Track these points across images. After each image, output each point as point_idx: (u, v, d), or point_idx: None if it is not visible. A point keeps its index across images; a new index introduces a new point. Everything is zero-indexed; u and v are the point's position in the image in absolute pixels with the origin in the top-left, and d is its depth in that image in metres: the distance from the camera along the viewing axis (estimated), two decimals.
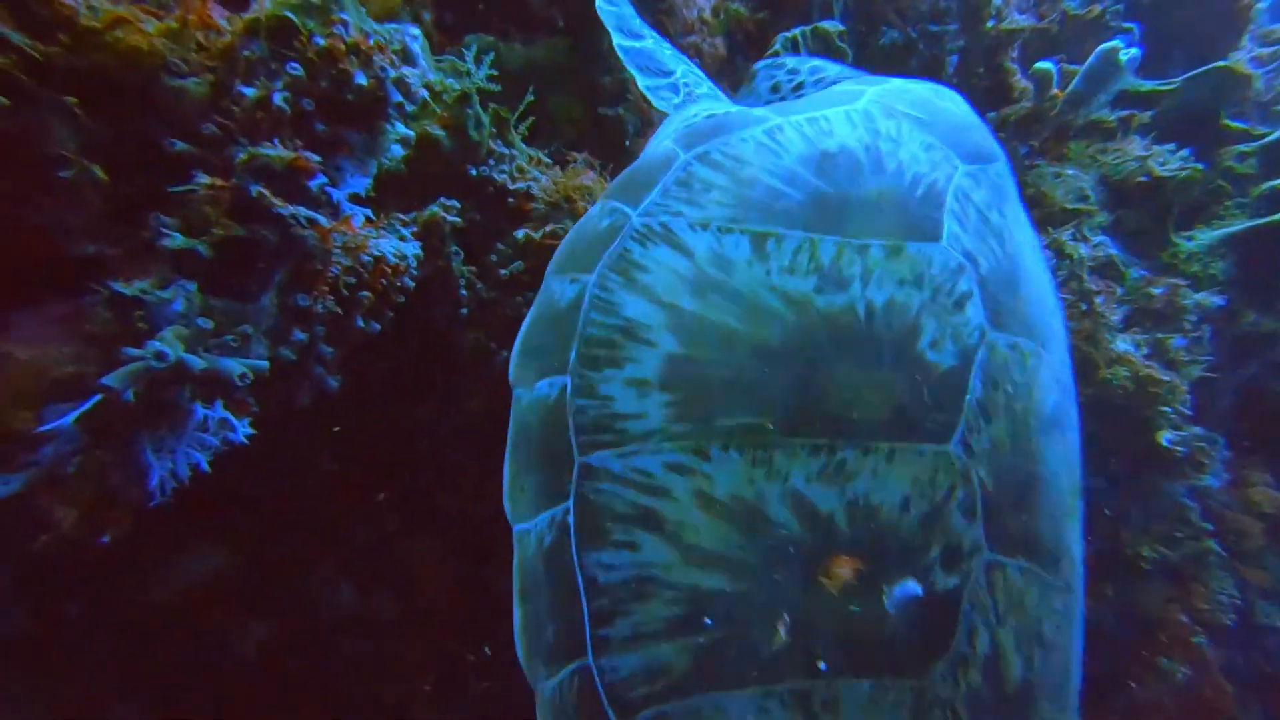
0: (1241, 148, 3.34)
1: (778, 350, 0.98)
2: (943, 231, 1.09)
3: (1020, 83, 3.29)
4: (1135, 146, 3.19)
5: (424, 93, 1.18)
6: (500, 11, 2.14)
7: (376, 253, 1.11)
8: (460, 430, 1.66)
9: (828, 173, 1.11)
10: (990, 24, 3.16)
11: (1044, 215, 3.03)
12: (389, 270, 1.16)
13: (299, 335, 1.08)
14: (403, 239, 1.28)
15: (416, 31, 1.41)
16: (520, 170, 1.53)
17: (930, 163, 1.17)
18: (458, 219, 1.37)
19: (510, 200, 1.51)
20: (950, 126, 1.28)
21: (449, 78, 1.43)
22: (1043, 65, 3.00)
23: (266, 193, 0.96)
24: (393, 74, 1.09)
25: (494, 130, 1.48)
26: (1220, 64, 3.47)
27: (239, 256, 1.00)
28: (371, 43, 1.11)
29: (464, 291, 1.40)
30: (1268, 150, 3.24)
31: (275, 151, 1.01)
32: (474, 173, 1.44)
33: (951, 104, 1.42)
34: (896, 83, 1.43)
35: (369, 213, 1.18)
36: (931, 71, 3.10)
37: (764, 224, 1.05)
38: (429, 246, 1.35)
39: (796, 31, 2.38)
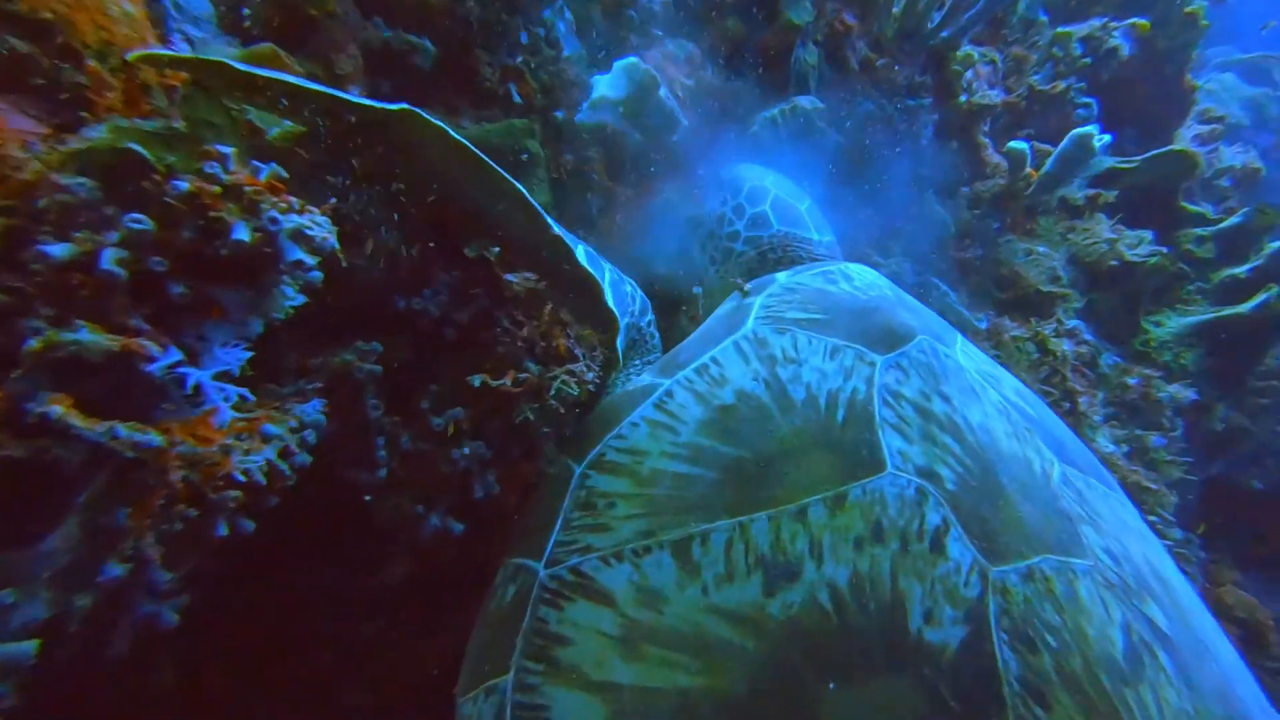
0: (1199, 231, 3.38)
1: (746, 699, 0.73)
2: (883, 455, 0.88)
3: (992, 157, 3.24)
4: (1103, 228, 3.17)
5: (333, 242, 0.90)
6: (446, 83, 1.87)
7: (244, 467, 0.82)
8: (375, 604, 1.36)
9: (733, 432, 0.91)
10: (963, 99, 3.10)
11: (1019, 296, 2.95)
12: (266, 473, 0.86)
13: (113, 571, 0.77)
14: (299, 401, 0.98)
15: None
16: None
17: (841, 371, 0.98)
18: (376, 367, 1.09)
19: (449, 332, 1.24)
20: (853, 314, 1.09)
21: None
22: (1017, 145, 2.94)
23: (61, 413, 0.66)
24: (288, 224, 0.81)
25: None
26: (1176, 148, 3.52)
27: (14, 484, 0.69)
28: (262, 179, 0.83)
29: (383, 452, 1.11)
30: (1224, 236, 3.28)
31: (90, 338, 0.71)
32: (402, 305, 1.16)
33: (848, 284, 1.23)
34: (783, 279, 1.26)
35: (244, 392, 0.88)
36: (907, 143, 3.00)
37: (681, 526, 0.85)
38: (337, 402, 1.06)
39: (775, 111, 2.20)
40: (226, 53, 1.33)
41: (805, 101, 2.25)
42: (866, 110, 2.90)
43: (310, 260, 0.85)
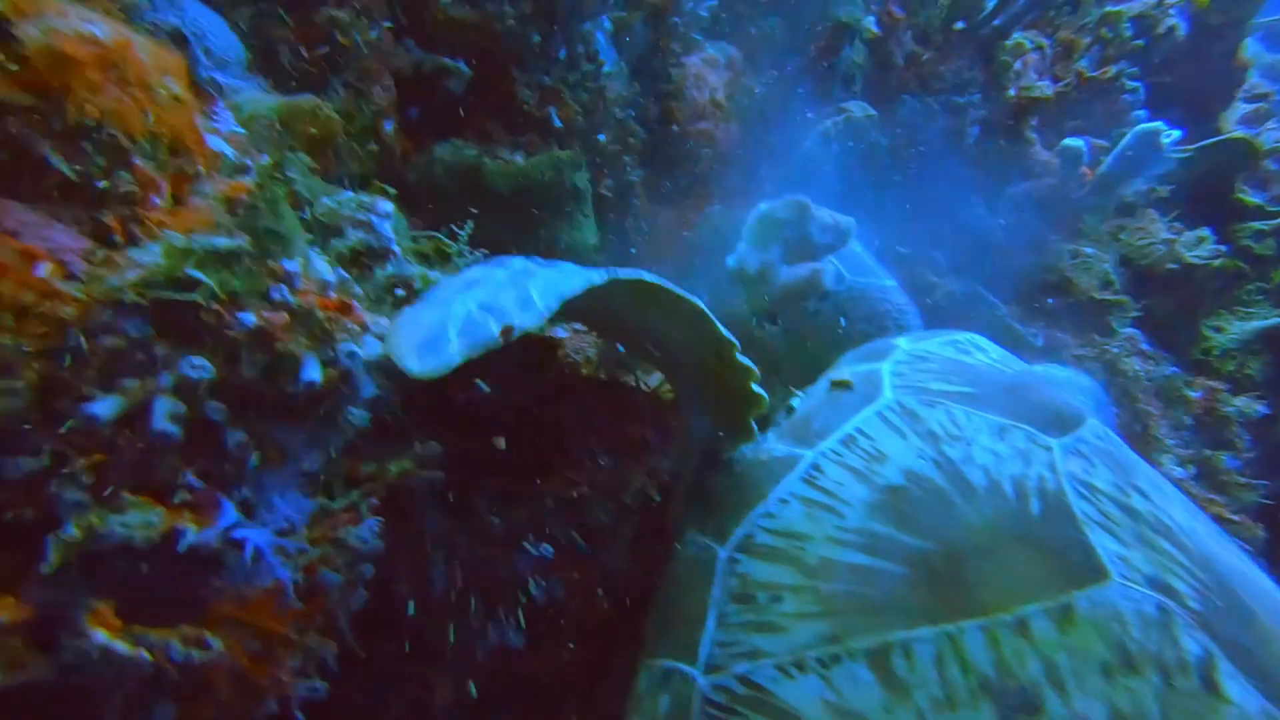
0: (1258, 225, 3.21)
1: None
2: (1101, 559, 0.78)
3: (1040, 155, 3.08)
4: (1159, 226, 3.01)
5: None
6: (479, 106, 1.74)
7: (305, 645, 0.74)
8: None
9: (910, 519, 0.81)
10: (1012, 92, 2.93)
11: (1070, 304, 2.82)
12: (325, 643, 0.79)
13: None
14: (352, 522, 0.89)
15: (388, 207, 1.03)
16: None
17: (1017, 455, 0.88)
18: (438, 473, 1.00)
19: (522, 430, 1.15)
20: (1005, 390, 1.00)
21: (434, 270, 1.06)
22: (1072, 143, 2.77)
23: (105, 641, 0.58)
24: (365, 355, 0.72)
25: None
26: (1234, 135, 3.34)
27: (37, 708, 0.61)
28: (333, 297, 0.73)
29: (441, 566, 1.03)
30: None
31: (139, 520, 0.62)
32: (461, 399, 1.08)
33: (984, 355, 1.14)
34: (906, 346, 1.14)
35: (294, 514, 0.80)
36: (952, 142, 2.84)
37: (872, 631, 0.73)
38: (392, 515, 0.98)
39: (829, 124, 2.07)
40: (263, 101, 1.22)
41: (857, 109, 2.11)
42: (911, 109, 2.74)
43: (385, 387, 0.76)
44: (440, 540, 1.03)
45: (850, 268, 1.66)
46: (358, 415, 0.80)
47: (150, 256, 0.68)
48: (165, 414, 0.64)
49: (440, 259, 1.10)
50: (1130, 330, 2.76)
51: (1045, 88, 2.97)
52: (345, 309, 0.73)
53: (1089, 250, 3.04)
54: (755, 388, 0.95)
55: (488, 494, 1.13)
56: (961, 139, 2.89)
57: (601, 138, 1.83)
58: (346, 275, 0.79)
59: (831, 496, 0.83)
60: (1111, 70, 3.37)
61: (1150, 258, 2.85)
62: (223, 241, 0.71)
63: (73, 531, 0.60)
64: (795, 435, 0.93)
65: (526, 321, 0.70)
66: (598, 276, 0.77)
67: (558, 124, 1.76)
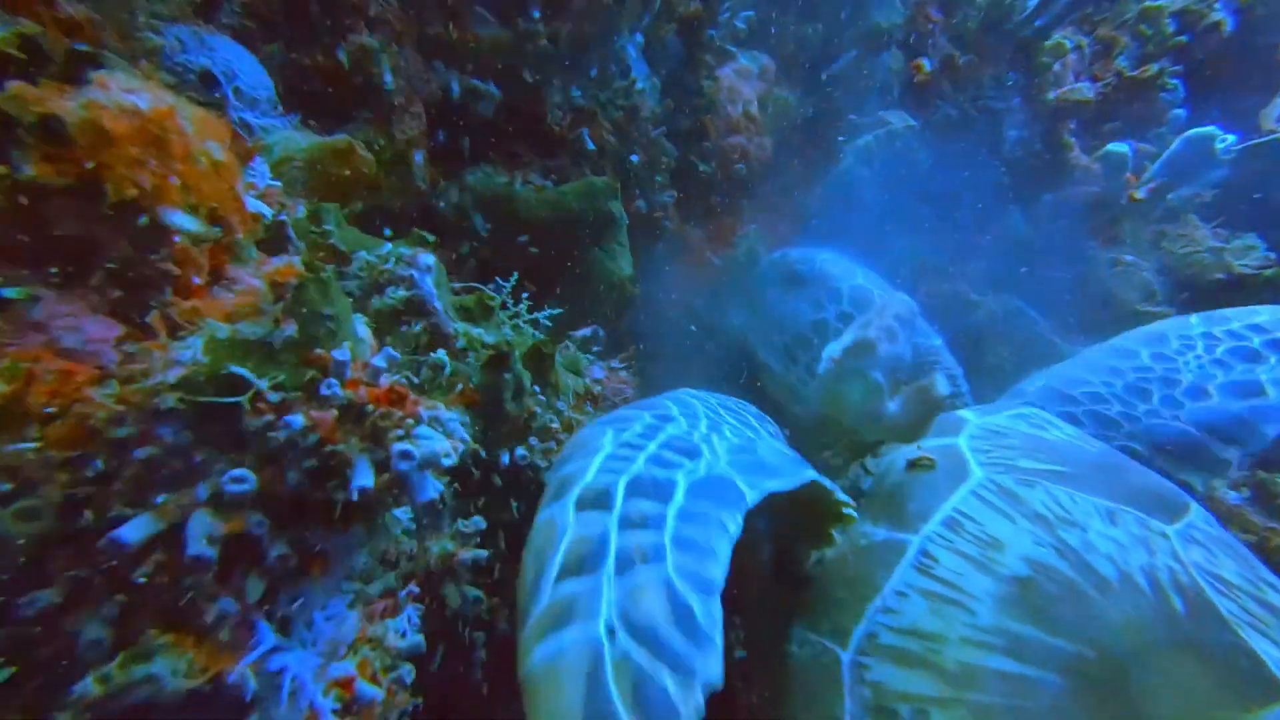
0: None
1: None
2: (1273, 672, 0.71)
3: (1079, 159, 2.97)
4: (1203, 234, 2.90)
5: (461, 432, 0.75)
6: (509, 129, 1.68)
7: None
8: None
9: (1047, 616, 0.74)
10: (1051, 95, 2.82)
11: (1113, 318, 2.73)
12: None
13: None
14: (391, 614, 0.84)
15: (429, 260, 0.97)
16: (570, 426, 1.12)
17: (1137, 542, 0.82)
18: (481, 552, 0.94)
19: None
20: (1097, 468, 0.94)
21: (476, 326, 1.00)
22: (1116, 148, 2.67)
23: None
24: (420, 454, 0.66)
25: (533, 382, 1.06)
26: None
27: None
28: (384, 385, 0.68)
29: (481, 651, 0.98)
30: None
31: (168, 666, 0.57)
32: (506, 462, 1.01)
33: (1057, 430, 1.08)
34: (976, 420, 1.07)
35: (348, 669, 0.74)
36: (989, 150, 2.74)
37: None
38: (431, 610, 0.93)
39: (870, 138, 1.98)
40: (295, 142, 1.17)
41: (897, 120, 2.03)
42: (946, 115, 2.65)
43: (439, 488, 0.70)
44: (480, 621, 0.98)
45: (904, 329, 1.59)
46: (405, 518, 0.75)
47: (191, 352, 0.63)
48: (202, 535, 0.59)
49: (483, 312, 1.04)
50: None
51: (1085, 90, 2.85)
52: (398, 399, 0.68)
53: (1129, 258, 2.94)
54: (848, 510, 0.90)
55: None
56: (999, 146, 2.79)
57: (634, 159, 1.76)
58: (396, 355, 0.73)
59: (954, 589, 0.76)
60: (1152, 68, 3.24)
61: (1195, 266, 2.74)
62: (269, 332, 0.66)
63: (91, 688, 0.55)
64: (889, 516, 0.87)
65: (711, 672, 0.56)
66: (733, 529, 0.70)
67: (590, 146, 1.70)
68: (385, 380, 0.69)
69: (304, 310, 0.67)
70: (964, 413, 1.11)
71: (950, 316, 2.29)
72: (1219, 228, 2.98)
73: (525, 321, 1.18)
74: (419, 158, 1.46)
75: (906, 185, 2.11)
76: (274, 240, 0.90)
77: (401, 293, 0.95)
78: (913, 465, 0.92)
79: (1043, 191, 2.89)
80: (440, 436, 0.70)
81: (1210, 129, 2.41)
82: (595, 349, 1.44)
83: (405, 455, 0.65)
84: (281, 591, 0.64)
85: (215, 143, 0.75)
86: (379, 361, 0.70)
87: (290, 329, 0.66)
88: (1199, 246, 2.81)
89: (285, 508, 0.64)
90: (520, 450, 1.00)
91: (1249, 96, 3.98)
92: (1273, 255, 2.81)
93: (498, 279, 1.17)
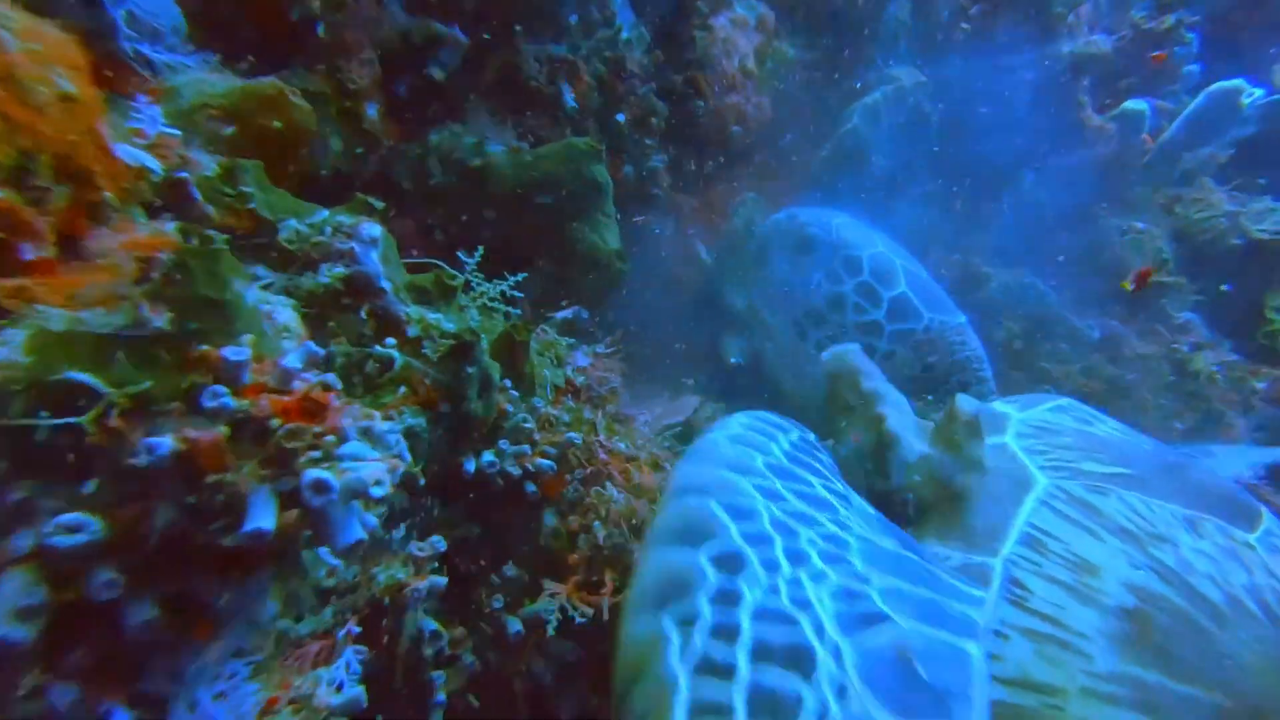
0: None
1: None
2: None
3: (1092, 119, 2.80)
4: (1219, 197, 2.76)
5: (401, 447, 0.59)
6: (478, 82, 1.48)
7: None
8: None
9: (1171, 656, 0.62)
10: (1066, 48, 2.63)
11: (1125, 289, 2.60)
12: None
13: None
14: (324, 661, 0.69)
15: (374, 231, 0.79)
16: (547, 423, 0.96)
17: (1228, 555, 0.71)
18: (440, 579, 0.78)
19: (530, 490, 0.91)
20: (1160, 469, 0.84)
21: (434, 311, 0.82)
22: (1134, 105, 2.50)
23: None
24: (342, 486, 0.50)
25: (504, 375, 0.89)
26: None
27: None
28: (297, 390, 0.51)
29: (440, 695, 0.83)
30: None
31: None
32: (470, 470, 0.85)
33: (1103, 425, 0.99)
34: (1019, 414, 0.96)
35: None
36: (1001, 109, 2.56)
37: None
38: (379, 637, 0.77)
39: (878, 95, 1.80)
40: (210, 85, 0.97)
41: (906, 77, 1.85)
42: (958, 71, 2.46)
43: (371, 523, 0.54)
44: (440, 660, 0.82)
45: (924, 300, 1.43)
46: (328, 558, 0.59)
47: (5, 350, 0.45)
48: (9, 611, 0.42)
49: (442, 294, 0.87)
50: (1188, 316, 2.54)
51: (1102, 43, 2.67)
52: (314, 410, 0.51)
53: (1140, 225, 2.80)
54: None
55: (498, 587, 0.92)
56: (1010, 104, 2.61)
57: (620, 118, 1.57)
58: (319, 350, 0.57)
59: (1060, 627, 0.63)
60: (1169, 20, 3.06)
61: (1211, 232, 2.61)
62: (129, 323, 0.48)
63: None
64: (957, 533, 0.73)
65: None
66: None
67: (571, 103, 1.50)
68: (300, 384, 0.53)
69: (181, 294, 0.50)
70: (1003, 406, 0.97)
71: (960, 293, 2.14)
72: (1234, 191, 2.84)
73: (492, 302, 1.01)
74: (371, 111, 1.26)
75: (917, 146, 1.94)
76: (175, 203, 0.72)
77: (340, 269, 0.77)
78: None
79: (1055, 154, 2.73)
80: (373, 456, 0.54)
81: (1237, 81, 2.25)
82: (577, 334, 1.28)
83: (320, 486, 0.49)
84: (150, 667, 0.49)
85: (66, 72, 0.57)
86: (291, 361, 0.53)
87: (159, 319, 0.49)
88: (1215, 211, 2.68)
89: (155, 556, 0.48)
90: (488, 456, 0.84)
91: (1264, 50, 3.79)
92: None
93: (460, 254, 1.00)
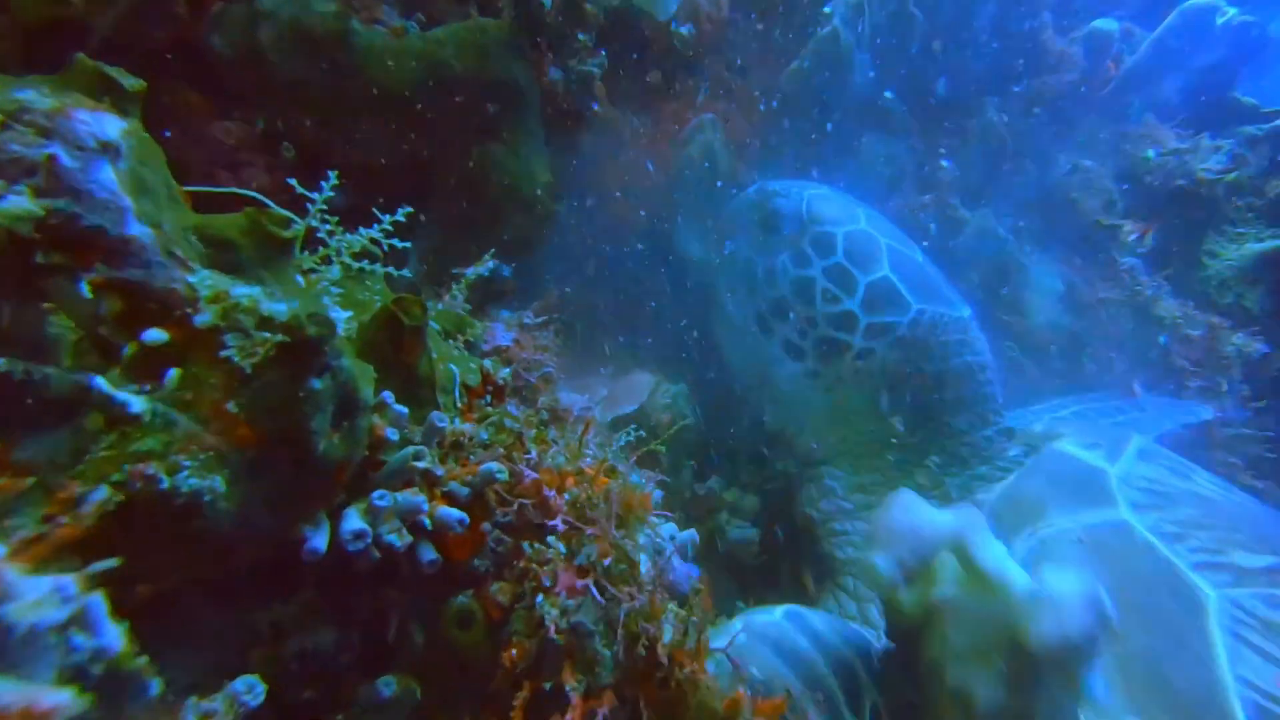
0: (1251, 129, 2.96)
1: None
2: None
3: (1054, 43, 2.61)
4: (1166, 134, 2.69)
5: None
6: None
7: None
8: None
9: None
10: None
11: (1077, 228, 2.51)
12: None
13: None
14: None
15: (110, 129, 0.41)
16: (456, 447, 0.63)
17: None
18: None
19: (428, 559, 0.60)
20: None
21: (249, 281, 0.46)
22: (1104, 24, 2.32)
23: None
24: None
25: (383, 382, 0.56)
26: (1242, 17, 2.98)
27: None
28: None
29: None
30: (1278, 136, 2.88)
31: None
32: (317, 549, 0.53)
33: (1199, 477, 0.89)
34: (1116, 472, 0.80)
35: None
36: (958, 34, 2.31)
37: None
38: None
39: None
40: None
41: None
42: None
43: None
44: None
45: (912, 286, 1.16)
46: None
47: None
48: None
49: (262, 249, 0.50)
50: (1131, 260, 2.50)
51: None
52: None
53: (1088, 162, 2.70)
54: None
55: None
56: (975, 18, 2.37)
57: (546, 2, 1.18)
58: None
59: None
60: None
61: (1159, 172, 2.54)
62: None
63: None
64: (1160, 702, 0.50)
65: None
66: None
67: None
68: None
69: None
70: (1097, 458, 0.76)
71: (933, 235, 1.95)
72: (1179, 128, 2.79)
73: (361, 262, 0.67)
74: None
75: (899, 61, 1.66)
76: None
77: (22, 202, 0.40)
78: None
79: (1017, 80, 2.54)
80: None
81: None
82: (495, 297, 0.95)
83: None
84: None
85: None
86: None
87: None
88: (1164, 148, 2.61)
89: None
90: (352, 521, 0.53)
91: None
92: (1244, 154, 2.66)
93: (326, 185, 0.64)
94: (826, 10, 1.44)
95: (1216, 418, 2.15)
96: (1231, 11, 2.08)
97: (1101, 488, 0.74)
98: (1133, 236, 2.03)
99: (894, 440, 1.16)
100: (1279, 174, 2.81)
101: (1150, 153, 2.63)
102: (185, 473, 0.41)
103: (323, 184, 0.61)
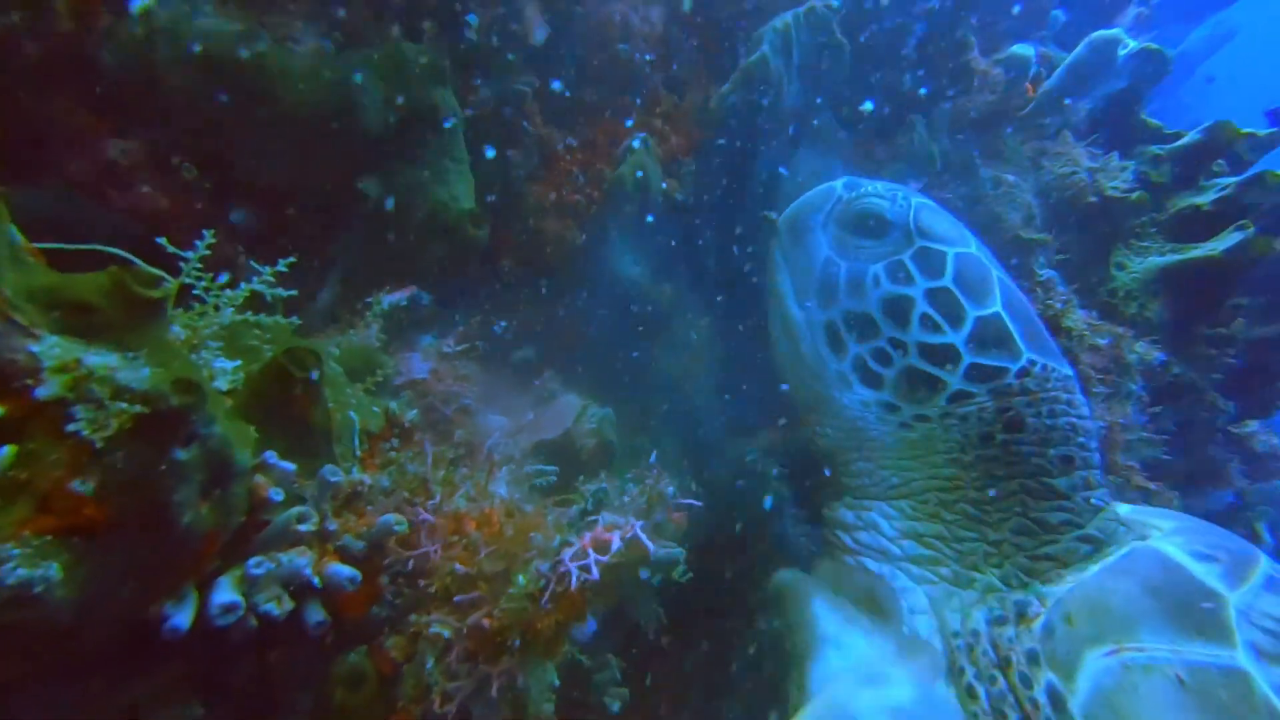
0: (1155, 149, 3.18)
1: None
2: None
3: (979, 63, 2.73)
4: (1080, 153, 2.86)
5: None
6: None
7: None
8: None
9: None
10: None
11: (1001, 244, 2.64)
12: None
13: None
14: None
15: None
16: (354, 499, 0.61)
17: None
18: None
19: (315, 621, 0.60)
20: None
21: (103, 349, 0.43)
22: (1022, 50, 2.44)
23: None
24: None
25: (265, 441, 0.54)
26: (1149, 45, 3.20)
27: None
28: None
29: None
30: (1181, 156, 3.11)
31: None
32: (181, 625, 0.51)
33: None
34: (1234, 600, 0.70)
35: None
36: (893, 46, 2.39)
37: None
38: None
39: (788, 18, 1.51)
40: None
41: (819, 2, 1.57)
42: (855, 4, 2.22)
43: None
44: None
45: (1024, 332, 1.06)
46: None
47: None
48: None
49: (123, 308, 0.46)
50: (1049, 274, 2.65)
51: None
52: None
53: (1010, 177, 2.85)
54: None
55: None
56: (903, 41, 2.45)
57: (472, 19, 1.15)
58: None
59: None
60: None
61: (1072, 189, 2.70)
62: None
63: None
64: None
65: None
66: None
67: None
68: None
69: None
70: (1178, 553, 0.69)
71: None
72: (1092, 147, 2.96)
73: (243, 315, 0.64)
74: None
75: (827, 85, 1.70)
76: None
77: None
78: None
79: (944, 99, 2.65)
80: None
81: (1116, 31, 2.24)
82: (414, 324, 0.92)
83: None
84: None
85: None
86: None
87: None
88: (1077, 167, 2.77)
89: None
90: (224, 593, 0.51)
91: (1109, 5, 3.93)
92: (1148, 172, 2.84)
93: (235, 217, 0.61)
94: (757, 34, 1.47)
95: (1119, 421, 2.31)
96: (1132, 44, 2.23)
97: (1215, 618, 0.64)
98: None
99: (974, 493, 1.03)
100: (1181, 191, 3.03)
101: (1065, 169, 2.79)
102: (12, 563, 0.39)
103: (197, 243, 0.58)
